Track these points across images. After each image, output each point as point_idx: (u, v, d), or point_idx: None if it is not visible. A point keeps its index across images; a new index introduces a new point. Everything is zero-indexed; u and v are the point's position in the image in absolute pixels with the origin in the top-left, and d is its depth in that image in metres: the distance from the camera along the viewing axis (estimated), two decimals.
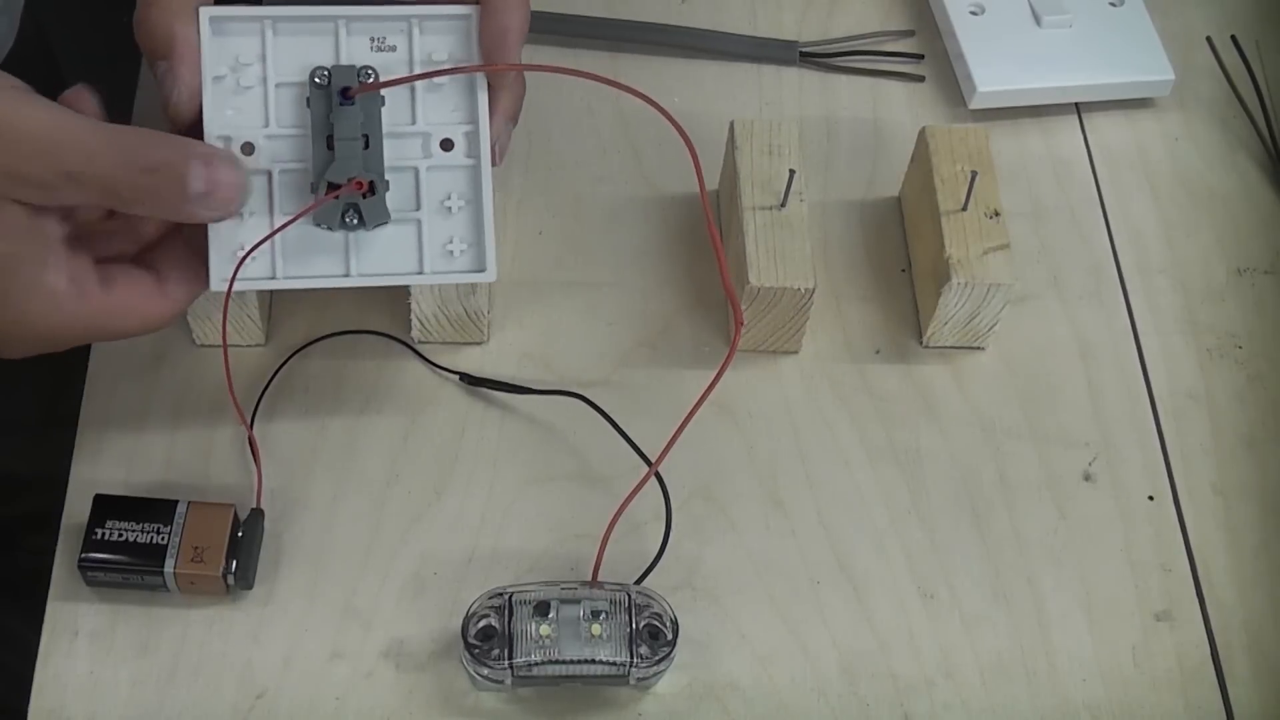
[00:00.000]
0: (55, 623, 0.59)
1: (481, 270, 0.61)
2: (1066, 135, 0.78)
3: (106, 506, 0.59)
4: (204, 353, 0.65)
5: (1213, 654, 0.62)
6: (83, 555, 0.58)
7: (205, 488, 0.62)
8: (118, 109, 0.58)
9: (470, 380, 0.66)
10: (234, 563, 0.59)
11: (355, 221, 0.59)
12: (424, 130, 0.61)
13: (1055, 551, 0.64)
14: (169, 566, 0.58)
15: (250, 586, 0.60)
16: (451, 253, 0.61)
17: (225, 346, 0.62)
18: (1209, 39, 0.80)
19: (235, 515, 0.60)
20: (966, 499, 0.65)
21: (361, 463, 0.64)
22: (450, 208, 0.61)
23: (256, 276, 0.60)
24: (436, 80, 0.61)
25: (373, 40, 0.60)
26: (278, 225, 0.59)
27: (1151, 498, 0.66)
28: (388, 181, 0.60)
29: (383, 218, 0.59)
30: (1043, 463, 0.66)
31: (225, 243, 0.59)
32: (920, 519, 0.64)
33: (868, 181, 0.75)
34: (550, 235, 0.72)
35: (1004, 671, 0.61)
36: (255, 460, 0.62)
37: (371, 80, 0.59)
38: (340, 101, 0.59)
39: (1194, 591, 0.63)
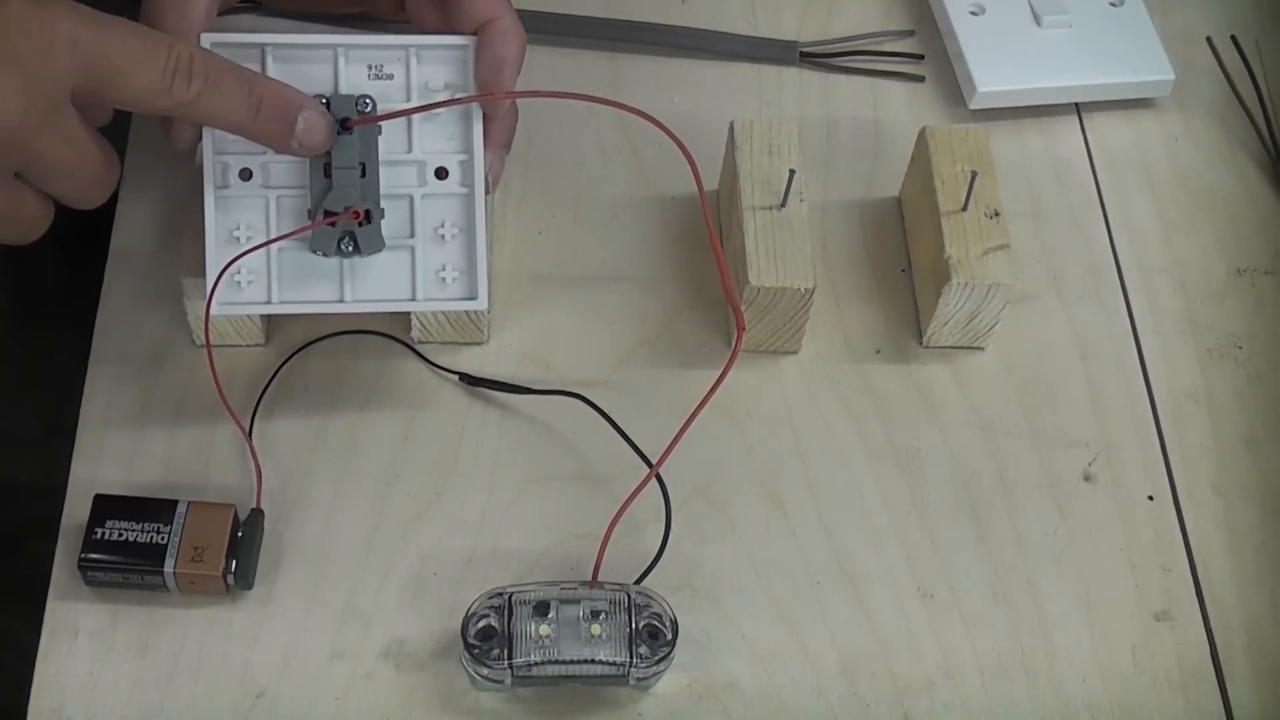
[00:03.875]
0: (55, 623, 0.59)
1: (473, 298, 0.62)
2: (1066, 135, 0.78)
3: (106, 506, 0.59)
4: (204, 353, 0.65)
5: (1213, 654, 0.62)
6: (83, 555, 0.58)
7: (205, 488, 0.62)
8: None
9: (470, 380, 0.66)
10: (234, 563, 0.59)
11: (351, 249, 0.61)
12: (419, 159, 0.62)
13: (1055, 551, 0.64)
14: (169, 566, 0.58)
15: (250, 586, 0.60)
16: (444, 280, 0.62)
17: (212, 361, 0.63)
18: (1209, 39, 0.80)
19: (235, 515, 0.60)
20: (966, 499, 0.65)
21: (361, 463, 0.64)
22: (444, 235, 0.62)
23: (252, 300, 0.61)
24: (433, 110, 0.61)
25: (370, 68, 0.61)
26: (270, 240, 0.60)
27: (1151, 498, 0.66)
28: (383, 210, 0.61)
29: (378, 245, 0.61)
30: (1043, 463, 0.66)
31: (222, 262, 0.60)
32: (920, 519, 0.64)
33: (868, 181, 0.75)
34: (550, 235, 0.72)
35: (1004, 671, 0.61)
36: (254, 460, 0.62)
37: (370, 109, 0.60)
38: (339, 130, 0.60)
39: (1194, 591, 0.63)
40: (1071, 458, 0.67)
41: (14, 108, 0.51)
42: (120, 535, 0.58)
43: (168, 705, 0.57)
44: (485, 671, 0.57)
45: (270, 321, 0.67)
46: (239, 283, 0.61)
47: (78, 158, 0.54)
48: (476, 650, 0.56)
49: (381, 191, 0.61)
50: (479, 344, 0.68)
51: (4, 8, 0.51)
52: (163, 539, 0.58)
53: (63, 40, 0.51)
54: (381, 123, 0.61)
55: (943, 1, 0.80)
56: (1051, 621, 0.62)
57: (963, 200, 0.67)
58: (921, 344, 0.69)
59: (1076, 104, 0.79)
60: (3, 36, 0.50)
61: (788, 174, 0.66)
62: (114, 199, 0.70)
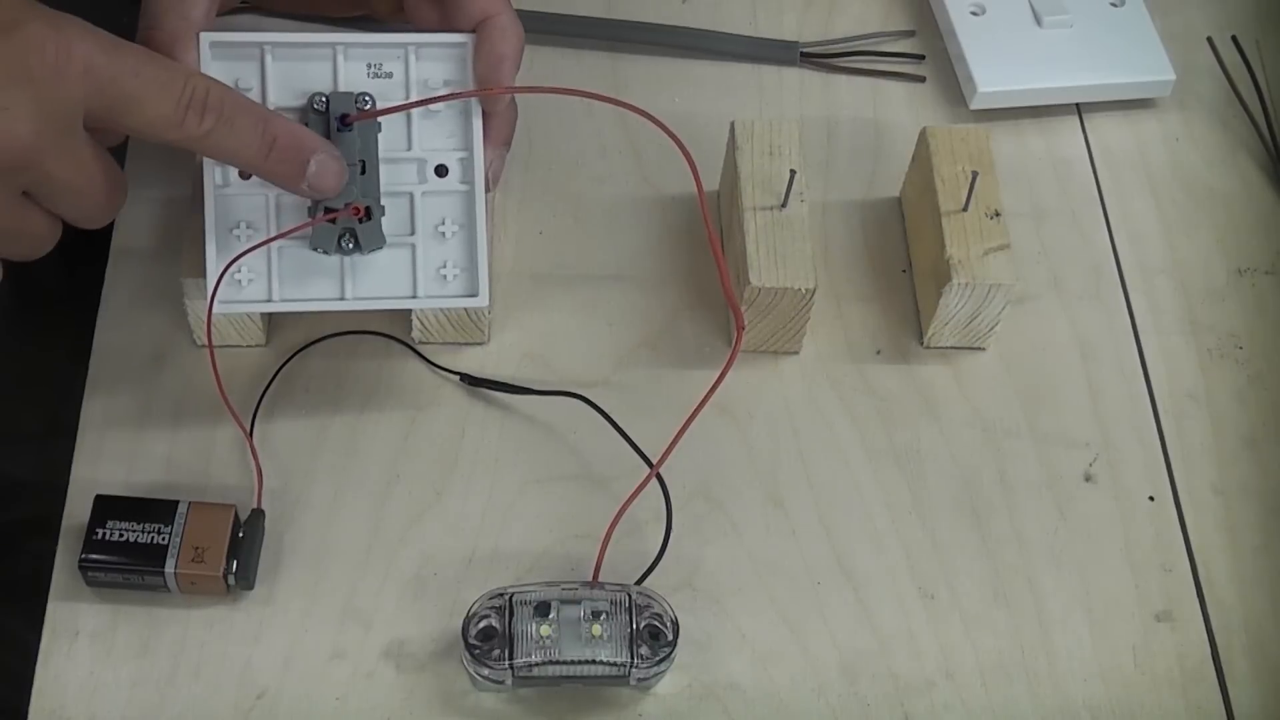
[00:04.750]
0: (56, 623, 0.59)
1: (474, 295, 0.62)
2: (1067, 135, 0.78)
3: (107, 507, 0.59)
4: (204, 353, 0.65)
5: (1213, 654, 0.62)
6: (83, 555, 0.58)
7: (206, 488, 0.62)
8: None
9: (470, 380, 0.66)
10: (234, 563, 0.59)
11: (351, 246, 0.61)
12: (419, 156, 0.62)
13: (1055, 551, 0.64)
14: (169, 567, 0.58)
15: (251, 586, 0.60)
16: (445, 277, 0.62)
17: (214, 360, 0.62)
18: (1209, 39, 0.80)
19: (236, 515, 0.60)
20: (967, 499, 0.65)
21: (361, 463, 0.64)
22: (444, 233, 0.62)
23: (253, 299, 0.61)
24: (432, 107, 0.61)
25: (370, 67, 0.61)
26: (271, 239, 0.60)
27: (1152, 498, 0.66)
28: (383, 207, 0.60)
29: (378, 242, 0.61)
30: (1043, 463, 0.66)
31: (223, 261, 0.60)
32: (920, 519, 0.64)
33: (868, 182, 0.75)
34: (550, 235, 0.72)
35: (1004, 671, 0.61)
36: (255, 461, 0.62)
37: (370, 107, 0.60)
38: (338, 127, 0.60)
39: (1194, 591, 0.63)
40: (1072, 458, 0.67)
41: (26, 129, 0.51)
42: (121, 535, 0.58)
43: (168, 705, 0.57)
44: (486, 672, 0.57)
45: (271, 322, 0.67)
46: (240, 281, 0.61)
47: (86, 180, 0.54)
48: (477, 650, 0.57)
49: (382, 189, 0.61)
50: (479, 344, 0.68)
51: (22, 29, 0.51)
52: (163, 539, 0.58)
53: (77, 65, 0.51)
54: (381, 120, 0.61)
55: (943, 1, 0.80)
56: (1052, 621, 0.62)
57: (963, 200, 0.67)
58: (922, 344, 0.69)
59: (1077, 104, 0.79)
60: (19, 57, 0.51)
61: (788, 174, 0.66)
62: None
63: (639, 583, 0.59)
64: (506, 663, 0.56)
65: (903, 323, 0.70)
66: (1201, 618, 0.63)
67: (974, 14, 0.79)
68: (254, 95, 0.60)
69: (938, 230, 0.67)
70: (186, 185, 0.64)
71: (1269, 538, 0.65)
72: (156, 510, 0.59)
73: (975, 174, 0.67)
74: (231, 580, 0.59)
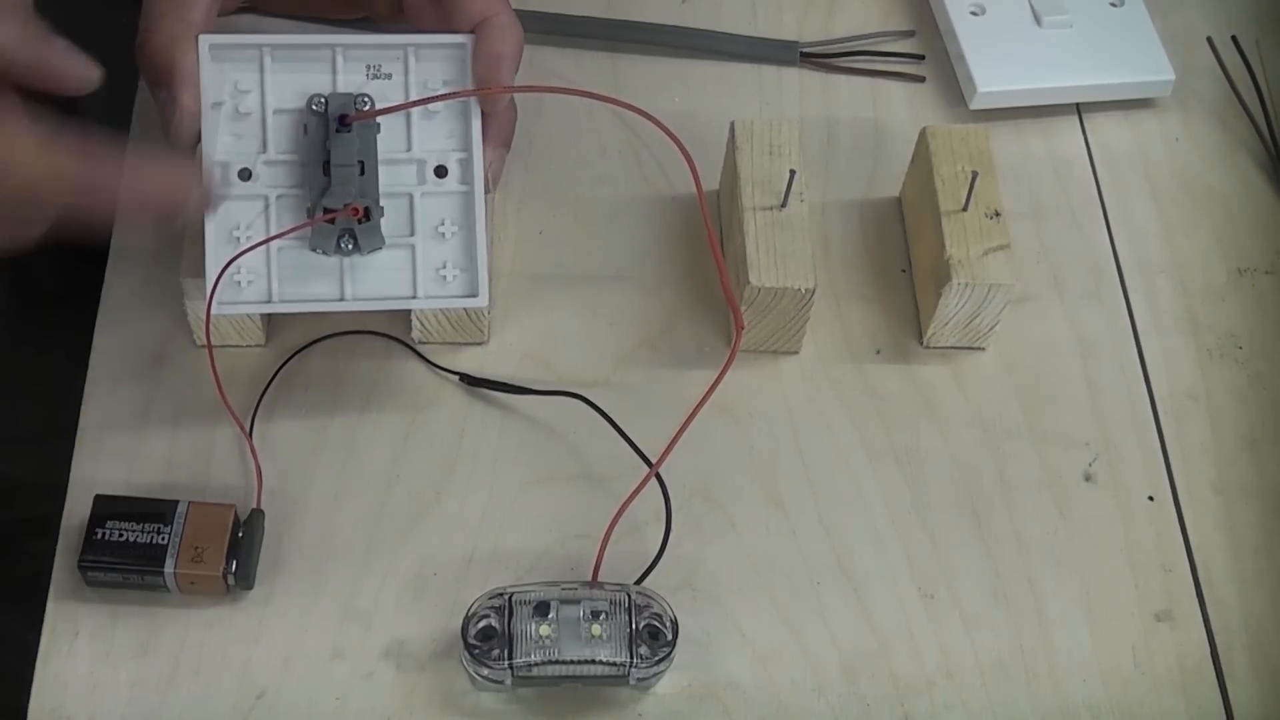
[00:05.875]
0: (55, 623, 0.59)
1: (474, 295, 0.62)
2: (1067, 135, 0.78)
3: (107, 507, 0.59)
4: (204, 353, 0.65)
5: (1213, 654, 0.62)
6: (83, 555, 0.58)
7: (205, 488, 0.62)
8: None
9: (470, 380, 0.66)
10: (234, 563, 0.59)
11: (350, 246, 0.61)
12: (419, 157, 0.62)
13: (1055, 551, 0.64)
14: (169, 567, 0.58)
15: (250, 586, 0.60)
16: (444, 278, 0.62)
17: (213, 360, 0.63)
18: (1209, 39, 0.80)
19: (235, 515, 0.60)
20: (967, 499, 0.65)
21: (361, 463, 0.64)
22: (444, 233, 0.62)
23: (253, 300, 0.61)
24: (431, 107, 0.62)
25: (369, 68, 0.61)
26: (269, 239, 0.60)
27: (1151, 498, 0.66)
28: (382, 207, 0.61)
29: (377, 243, 0.61)
30: (1043, 463, 0.66)
31: (221, 262, 0.60)
32: (920, 519, 0.64)
33: (868, 182, 0.75)
34: (550, 235, 0.72)
35: (1004, 671, 0.61)
36: (255, 460, 0.62)
37: (368, 108, 0.60)
38: (337, 128, 0.60)
39: (1194, 591, 0.63)
40: (1072, 458, 0.67)
41: None
42: (120, 535, 0.58)
43: (168, 705, 0.57)
44: (485, 672, 0.57)
45: (270, 322, 0.67)
46: (239, 282, 0.61)
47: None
48: (477, 650, 0.57)
49: (381, 190, 0.61)
50: (479, 344, 0.68)
51: None
52: (163, 539, 0.58)
53: None
54: (380, 121, 0.61)
55: (943, 2, 0.80)
56: (1052, 621, 0.62)
57: (963, 200, 0.67)
58: (922, 344, 0.69)
59: (1077, 104, 0.79)
60: None
61: (788, 174, 0.66)
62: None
63: (639, 582, 0.59)
64: (506, 662, 0.56)
65: (903, 323, 0.70)
66: (1201, 617, 0.63)
67: (974, 14, 0.79)
68: (253, 97, 0.61)
69: (937, 230, 0.67)
70: None
71: (1269, 538, 0.65)
72: (156, 510, 0.59)
73: (975, 174, 0.67)
74: (231, 580, 0.59)
